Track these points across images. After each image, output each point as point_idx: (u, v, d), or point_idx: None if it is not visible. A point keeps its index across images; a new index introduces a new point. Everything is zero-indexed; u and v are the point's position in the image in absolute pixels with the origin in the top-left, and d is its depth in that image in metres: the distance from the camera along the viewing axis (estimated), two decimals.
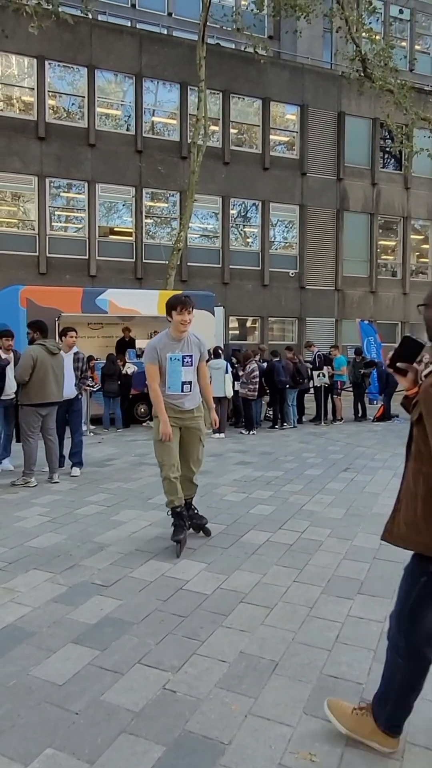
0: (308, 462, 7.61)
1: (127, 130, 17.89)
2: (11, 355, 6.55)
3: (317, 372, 11.79)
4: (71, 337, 6.59)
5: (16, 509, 5.17)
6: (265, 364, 11.41)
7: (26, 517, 4.90)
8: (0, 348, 6.56)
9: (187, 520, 4.28)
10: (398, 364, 2.05)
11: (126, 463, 7.50)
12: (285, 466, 7.33)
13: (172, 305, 4.02)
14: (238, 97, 19.18)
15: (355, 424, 11.88)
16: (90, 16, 16.19)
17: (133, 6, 20.52)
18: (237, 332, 19.59)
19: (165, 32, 19.49)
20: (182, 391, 4.11)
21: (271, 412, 11.90)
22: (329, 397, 12.29)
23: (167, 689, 2.45)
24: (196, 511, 4.46)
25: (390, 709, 2.05)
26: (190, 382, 4.12)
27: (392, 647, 2.06)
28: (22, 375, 5.84)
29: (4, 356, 6.50)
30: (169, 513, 4.23)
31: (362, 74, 16.64)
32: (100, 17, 18.33)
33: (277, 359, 11.44)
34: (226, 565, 3.85)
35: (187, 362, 4.10)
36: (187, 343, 4.13)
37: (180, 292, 13.75)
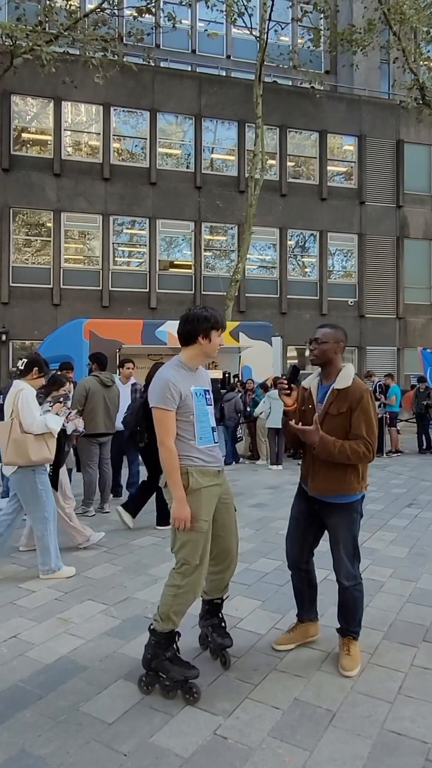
0: (369, 496, 7.32)
1: (187, 167, 18.50)
2: (71, 386, 6.75)
3: (380, 403, 11.47)
4: (128, 368, 6.74)
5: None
6: None
7: (84, 548, 4.95)
8: None
9: (209, 640, 2.98)
10: (292, 385, 2.82)
11: None
12: None
13: (213, 325, 2.72)
14: (295, 131, 19.48)
15: (419, 457, 11.40)
16: (152, 63, 17.08)
17: (194, 51, 21.42)
18: (296, 361, 19.45)
19: (224, 74, 20.19)
20: (215, 441, 2.79)
21: None
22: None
23: (218, 735, 2.36)
24: (223, 625, 2.99)
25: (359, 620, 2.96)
26: (215, 429, 2.84)
27: (355, 584, 2.89)
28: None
29: None
30: (157, 639, 2.69)
31: (421, 102, 16.53)
32: (162, 64, 19.26)
33: None
34: (282, 603, 3.72)
35: (209, 400, 2.80)
36: (202, 375, 2.84)
37: (238, 323, 13.90)
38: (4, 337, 16.58)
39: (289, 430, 2.84)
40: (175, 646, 2.74)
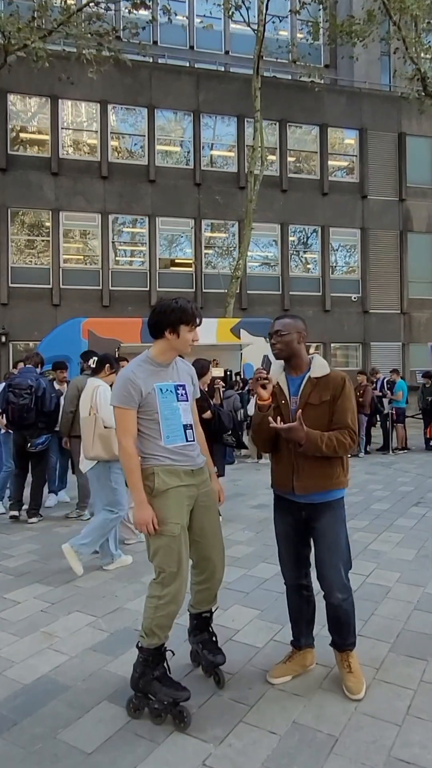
0: (375, 495, 7.09)
1: (186, 164, 18.27)
2: (65, 386, 6.55)
3: (387, 399, 11.21)
4: (123, 367, 6.51)
5: None
6: None
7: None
8: (54, 380, 6.58)
9: (199, 657, 2.75)
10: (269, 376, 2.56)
11: None
12: (349, 500, 6.82)
13: (182, 317, 2.48)
14: (295, 126, 19.22)
15: (426, 454, 11.13)
16: (151, 60, 16.86)
17: (191, 47, 21.19)
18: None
19: (222, 69, 19.95)
20: (187, 439, 2.54)
21: None
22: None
23: (207, 766, 2.14)
24: (215, 640, 2.75)
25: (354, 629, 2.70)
26: (191, 426, 2.59)
27: (347, 597, 2.62)
28: (67, 406, 5.80)
29: (58, 387, 6.52)
30: (145, 656, 2.48)
31: (422, 93, 16.24)
32: (159, 60, 19.05)
33: None
34: (281, 612, 3.47)
35: (182, 396, 2.57)
36: (176, 370, 2.60)
37: (239, 319, 13.68)
38: (4, 339, 16.42)
39: (262, 429, 2.54)
40: (165, 664, 2.52)
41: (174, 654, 2.61)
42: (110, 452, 4.17)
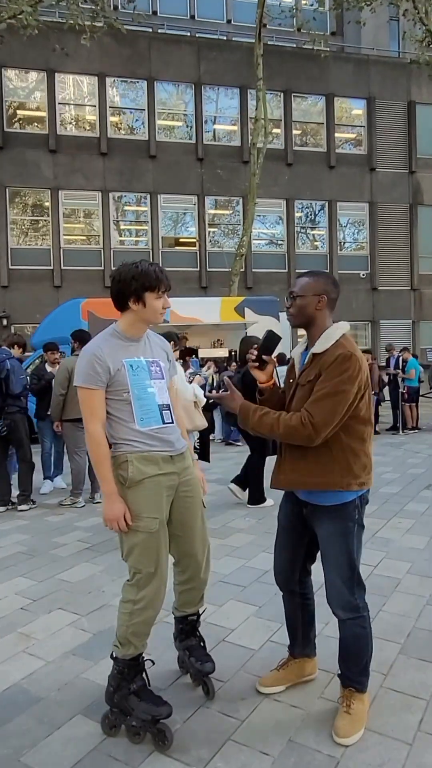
0: (383, 477, 6.77)
1: (189, 139, 17.71)
2: (57, 368, 6.26)
3: (401, 377, 10.84)
4: None
5: (57, 534, 4.78)
6: None
7: (64, 544, 4.48)
8: (46, 362, 6.29)
9: (186, 664, 2.45)
10: (264, 357, 2.24)
11: None
12: None
13: (146, 283, 2.15)
14: (301, 97, 18.55)
15: None
16: (150, 30, 16.22)
17: (192, 17, 20.47)
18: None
19: (224, 38, 19.24)
20: (164, 421, 2.22)
21: None
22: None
23: None
24: (203, 645, 2.47)
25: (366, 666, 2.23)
26: (169, 406, 2.27)
27: (356, 617, 2.15)
28: (57, 388, 5.52)
29: (50, 370, 6.23)
30: (120, 667, 2.19)
31: None
32: (159, 30, 18.38)
33: None
34: (280, 609, 3.14)
35: (157, 373, 2.26)
36: (148, 345, 2.30)
37: (243, 297, 13.28)
38: (5, 322, 16.15)
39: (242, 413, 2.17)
40: (144, 675, 2.24)
41: (154, 663, 2.33)
42: (192, 424, 4.55)
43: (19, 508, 5.52)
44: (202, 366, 12.04)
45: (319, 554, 2.28)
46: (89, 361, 2.14)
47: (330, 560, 2.16)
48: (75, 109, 17.08)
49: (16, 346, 5.72)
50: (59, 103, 16.70)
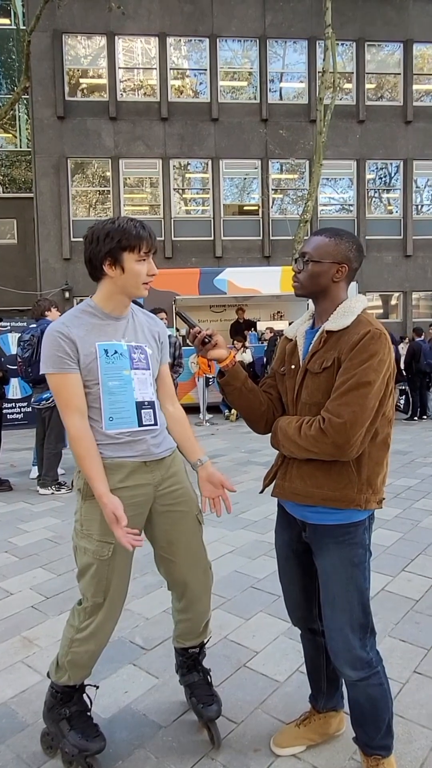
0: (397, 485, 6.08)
1: (253, 98, 16.82)
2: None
3: None
4: (161, 319, 5.83)
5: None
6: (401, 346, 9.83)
7: None
8: None
9: (193, 700, 2.03)
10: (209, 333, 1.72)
11: (232, 461, 6.63)
12: (422, 472, 5.90)
13: (123, 241, 1.71)
14: (375, 45, 17.07)
15: None
16: None
17: None
18: (378, 311, 17.69)
19: None
20: (142, 423, 1.79)
21: (403, 401, 10.27)
22: None
23: None
24: (209, 681, 2.06)
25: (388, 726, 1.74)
26: (151, 404, 1.83)
27: (369, 675, 1.66)
28: None
29: None
30: (54, 690, 1.90)
31: None
32: None
33: (421, 338, 9.82)
34: None
35: (139, 361, 1.82)
36: (132, 325, 1.86)
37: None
38: (68, 294, 16.26)
39: (233, 400, 1.79)
40: (86, 697, 1.94)
41: (98, 688, 2.02)
42: None
43: (40, 491, 5.32)
44: (259, 340, 11.53)
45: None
46: (54, 340, 1.72)
47: (336, 601, 1.65)
48: (135, 73, 16.60)
49: (53, 308, 5.48)
50: (119, 68, 16.27)
